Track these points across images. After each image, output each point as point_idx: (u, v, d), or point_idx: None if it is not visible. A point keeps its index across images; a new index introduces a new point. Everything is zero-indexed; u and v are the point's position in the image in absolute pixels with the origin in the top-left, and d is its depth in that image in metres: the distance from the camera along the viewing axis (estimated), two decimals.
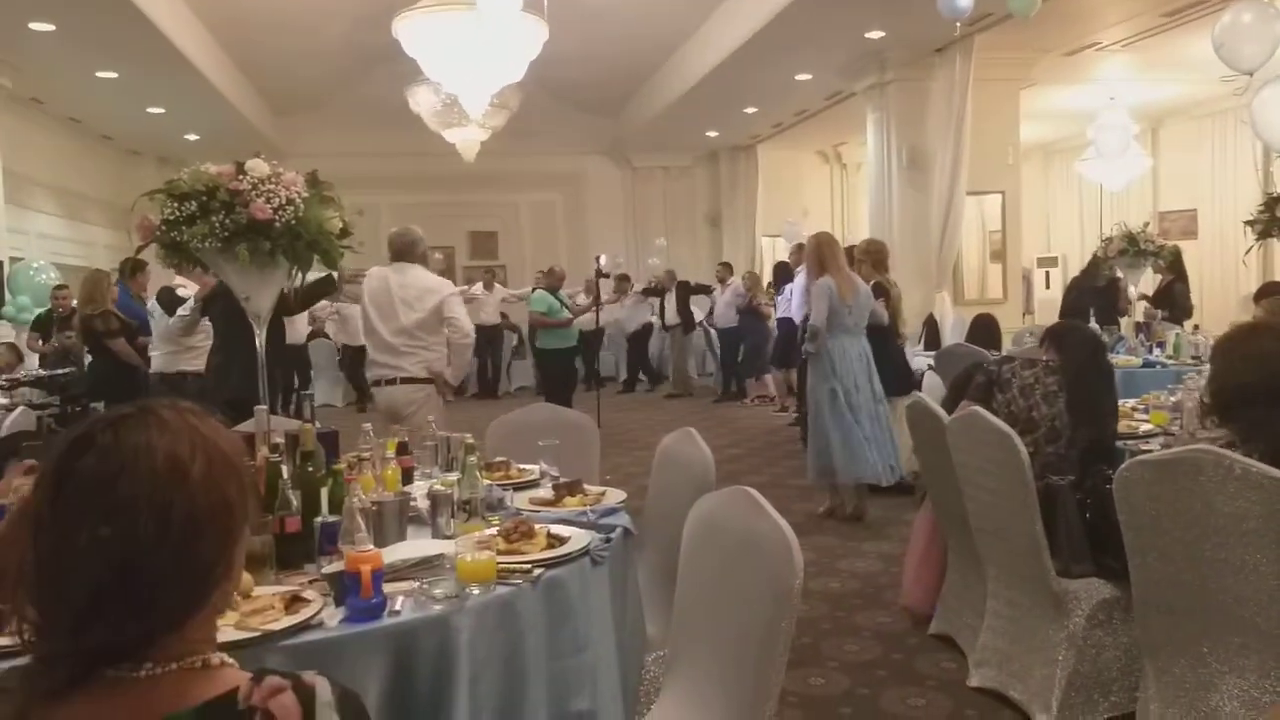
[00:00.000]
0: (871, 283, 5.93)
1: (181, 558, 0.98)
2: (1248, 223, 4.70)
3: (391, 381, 4.33)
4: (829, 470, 5.44)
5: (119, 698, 0.96)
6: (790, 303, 9.84)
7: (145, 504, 0.96)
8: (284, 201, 2.38)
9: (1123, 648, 2.83)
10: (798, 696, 3.18)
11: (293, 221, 2.39)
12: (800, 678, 3.31)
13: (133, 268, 6.82)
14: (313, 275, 4.44)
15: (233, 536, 1.05)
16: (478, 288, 12.34)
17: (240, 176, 2.41)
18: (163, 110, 10.81)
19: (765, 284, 12.04)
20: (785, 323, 10.04)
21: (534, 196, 15.54)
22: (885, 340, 5.83)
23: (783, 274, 10.61)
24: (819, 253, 5.49)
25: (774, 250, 13.84)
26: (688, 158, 15.65)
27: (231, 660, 1.03)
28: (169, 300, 5.55)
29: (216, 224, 2.35)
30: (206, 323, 5.23)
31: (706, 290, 12.32)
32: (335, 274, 4.16)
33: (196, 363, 5.51)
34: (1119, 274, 7.72)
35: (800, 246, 10.53)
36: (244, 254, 2.37)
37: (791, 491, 6.34)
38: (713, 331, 12.36)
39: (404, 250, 4.48)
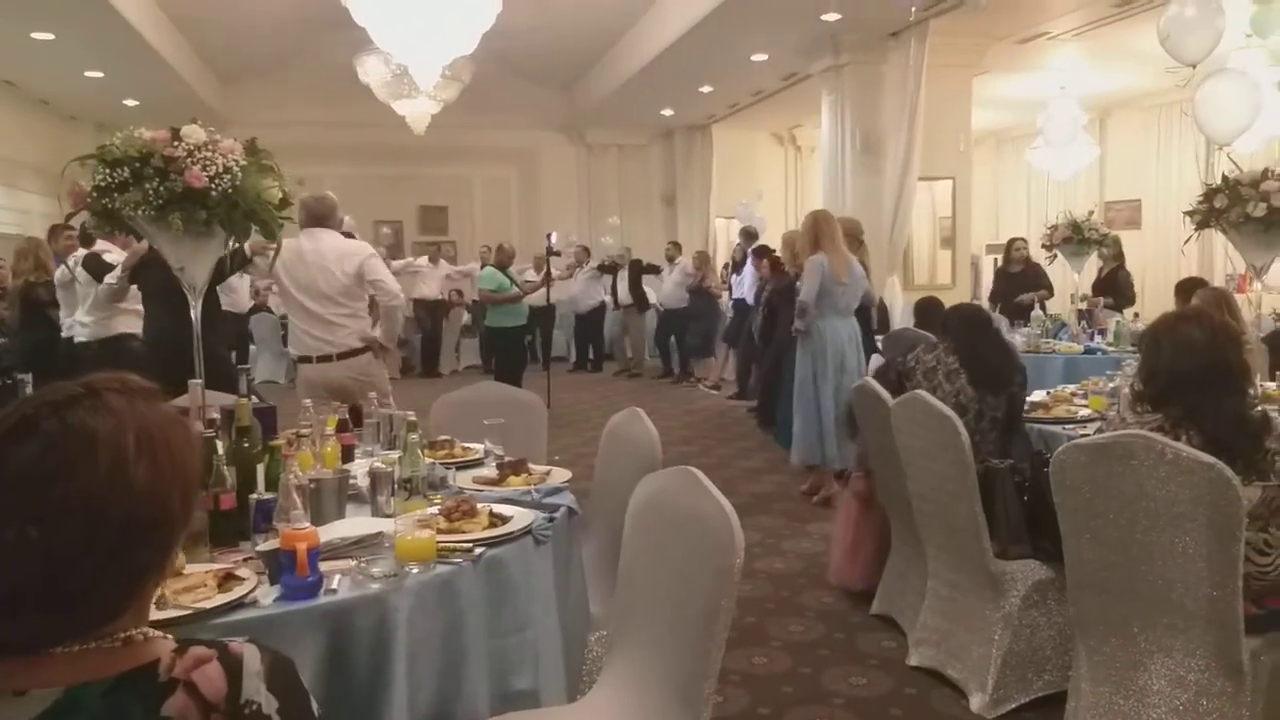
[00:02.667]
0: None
1: (110, 566, 0.94)
2: (1187, 213, 4.77)
3: (327, 358, 4.08)
4: (816, 452, 5.35)
5: (32, 669, 0.92)
6: (743, 284, 9.91)
7: (80, 511, 0.92)
8: (220, 169, 2.31)
9: (1056, 628, 2.90)
10: (740, 675, 3.20)
11: (229, 190, 2.32)
12: (744, 657, 3.34)
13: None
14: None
15: (169, 543, 1.01)
16: (422, 260, 12.31)
17: (175, 142, 2.33)
18: (101, 74, 10.43)
19: (722, 264, 12.03)
20: (739, 303, 10.11)
21: (487, 171, 15.33)
22: (865, 321, 5.76)
23: (743, 256, 10.65)
24: (815, 229, 5.30)
25: (728, 231, 13.81)
26: (643, 136, 15.54)
27: (160, 633, 0.99)
28: (96, 266, 5.29)
29: (150, 191, 2.27)
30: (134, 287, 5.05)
31: (656, 270, 12.23)
32: (245, 246, 4.00)
33: (135, 324, 5.32)
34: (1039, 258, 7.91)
35: (746, 231, 10.61)
36: (178, 223, 2.29)
37: (738, 473, 6.37)
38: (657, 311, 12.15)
39: (322, 216, 4.18)
